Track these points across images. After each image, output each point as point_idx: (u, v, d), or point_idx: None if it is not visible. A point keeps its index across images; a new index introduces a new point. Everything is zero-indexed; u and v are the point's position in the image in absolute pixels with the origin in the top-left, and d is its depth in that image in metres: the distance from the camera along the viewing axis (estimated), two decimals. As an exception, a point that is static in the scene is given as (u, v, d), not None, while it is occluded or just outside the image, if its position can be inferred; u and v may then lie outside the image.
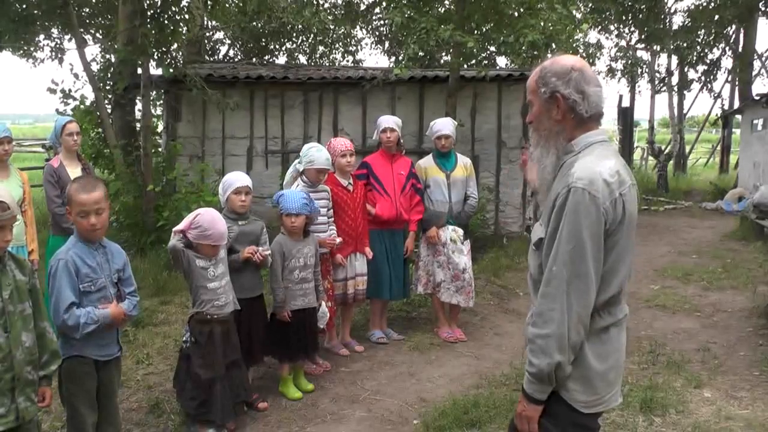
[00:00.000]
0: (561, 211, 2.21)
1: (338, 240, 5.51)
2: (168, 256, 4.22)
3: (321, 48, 19.22)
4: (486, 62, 14.65)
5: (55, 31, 14.38)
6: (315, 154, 5.35)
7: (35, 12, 10.38)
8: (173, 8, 10.11)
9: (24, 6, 10.30)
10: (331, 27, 17.56)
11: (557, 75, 2.32)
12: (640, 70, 22.35)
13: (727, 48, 21.08)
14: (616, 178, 2.22)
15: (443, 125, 6.19)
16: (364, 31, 19.42)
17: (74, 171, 5.65)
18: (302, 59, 18.67)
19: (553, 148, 2.38)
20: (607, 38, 23.18)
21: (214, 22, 16.56)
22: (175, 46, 11.89)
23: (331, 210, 5.58)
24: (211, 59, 16.44)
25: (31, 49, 15.63)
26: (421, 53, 10.06)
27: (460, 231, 6.19)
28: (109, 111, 10.22)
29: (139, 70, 9.72)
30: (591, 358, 2.27)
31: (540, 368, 2.23)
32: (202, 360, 4.21)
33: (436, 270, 6.16)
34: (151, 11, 9.77)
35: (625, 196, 2.24)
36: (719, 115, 22.07)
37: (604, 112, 2.38)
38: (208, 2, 11.93)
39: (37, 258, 5.38)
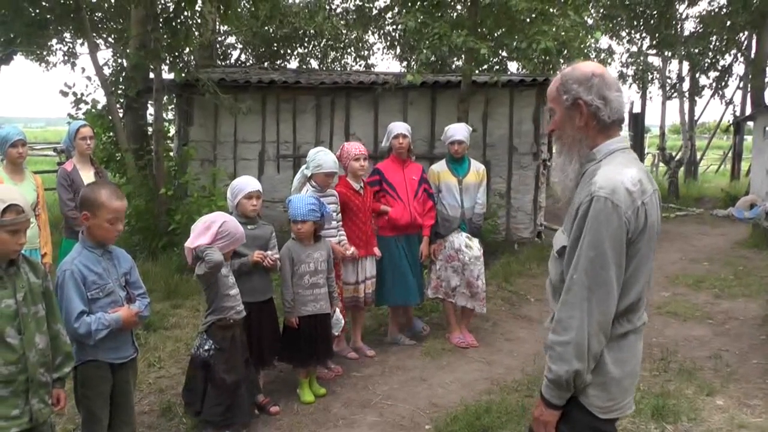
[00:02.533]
0: (583, 219, 2.21)
1: (351, 250, 5.52)
2: (205, 269, 4.10)
3: (333, 53, 19.24)
4: (498, 67, 14.65)
5: (67, 35, 14.46)
6: (323, 158, 5.35)
7: (48, 16, 10.44)
8: (186, 13, 10.16)
9: (37, 10, 10.37)
10: (343, 32, 17.61)
11: (579, 81, 2.31)
12: (651, 76, 22.26)
13: (739, 54, 20.99)
14: (638, 187, 2.22)
15: (457, 131, 6.18)
16: (376, 35, 19.45)
17: (87, 175, 5.69)
18: (314, 64, 18.71)
19: (576, 155, 2.37)
20: (618, 44, 23.14)
21: (226, 27, 16.63)
22: (188, 50, 11.95)
23: (340, 214, 5.59)
24: (223, 64, 16.51)
25: (44, 53, 15.76)
26: (433, 58, 10.07)
27: (475, 240, 6.19)
28: (121, 115, 10.27)
29: (152, 75, 9.78)
30: (610, 364, 2.28)
31: (558, 375, 2.24)
32: (226, 365, 4.22)
33: (450, 275, 6.15)
34: (164, 16, 9.82)
35: (647, 204, 2.24)
36: (731, 122, 21.97)
37: (624, 117, 2.38)
38: (221, 7, 11.98)
39: (50, 261, 5.41)
